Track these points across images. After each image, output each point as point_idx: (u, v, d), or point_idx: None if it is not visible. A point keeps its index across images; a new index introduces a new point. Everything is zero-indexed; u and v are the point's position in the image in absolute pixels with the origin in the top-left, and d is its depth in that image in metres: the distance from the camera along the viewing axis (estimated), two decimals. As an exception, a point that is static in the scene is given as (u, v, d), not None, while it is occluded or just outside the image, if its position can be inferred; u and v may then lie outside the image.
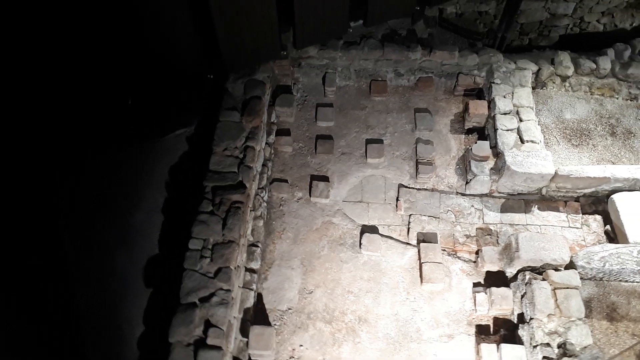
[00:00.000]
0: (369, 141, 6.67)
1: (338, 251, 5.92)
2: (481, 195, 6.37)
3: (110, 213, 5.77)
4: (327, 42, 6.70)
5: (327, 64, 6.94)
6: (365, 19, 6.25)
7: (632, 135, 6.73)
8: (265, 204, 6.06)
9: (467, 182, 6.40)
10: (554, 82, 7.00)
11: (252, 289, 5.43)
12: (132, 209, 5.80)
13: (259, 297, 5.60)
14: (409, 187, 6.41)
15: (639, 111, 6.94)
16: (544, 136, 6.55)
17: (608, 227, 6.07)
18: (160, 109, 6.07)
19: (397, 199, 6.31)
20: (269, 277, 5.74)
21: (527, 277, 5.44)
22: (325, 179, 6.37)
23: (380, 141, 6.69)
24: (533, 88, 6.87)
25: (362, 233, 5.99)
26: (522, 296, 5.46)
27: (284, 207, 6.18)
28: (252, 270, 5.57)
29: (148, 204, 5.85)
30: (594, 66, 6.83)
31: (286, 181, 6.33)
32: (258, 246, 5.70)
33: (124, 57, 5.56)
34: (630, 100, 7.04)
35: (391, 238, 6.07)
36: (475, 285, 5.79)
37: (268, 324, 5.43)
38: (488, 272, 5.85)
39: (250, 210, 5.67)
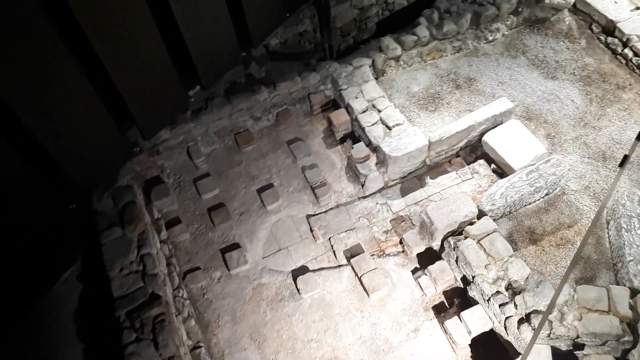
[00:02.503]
0: (260, 190, 6.61)
1: (281, 308, 5.74)
2: (380, 190, 6.58)
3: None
4: (175, 120, 6.56)
5: (185, 139, 6.79)
6: (201, 83, 6.22)
7: (473, 80, 7.41)
8: (188, 302, 5.71)
9: (362, 185, 6.58)
10: (390, 66, 7.50)
11: (215, 391, 5.06)
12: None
13: (226, 393, 5.24)
14: (317, 214, 6.44)
15: (468, 59, 7.66)
16: (405, 115, 6.96)
17: (493, 165, 6.57)
18: (32, 262, 5.50)
19: (311, 230, 6.31)
20: (226, 369, 5.40)
21: (452, 242, 5.69)
22: (235, 246, 6.18)
23: (270, 185, 6.66)
24: (376, 79, 7.30)
25: (295, 279, 5.88)
26: (457, 261, 5.69)
27: (208, 294, 5.87)
28: (206, 372, 5.20)
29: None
30: (415, 38, 7.43)
31: (198, 268, 6.03)
32: (201, 346, 5.34)
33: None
34: (457, 52, 7.75)
35: (323, 269, 6.03)
36: (414, 272, 5.94)
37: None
38: (419, 255, 6.03)
39: (176, 315, 5.31)
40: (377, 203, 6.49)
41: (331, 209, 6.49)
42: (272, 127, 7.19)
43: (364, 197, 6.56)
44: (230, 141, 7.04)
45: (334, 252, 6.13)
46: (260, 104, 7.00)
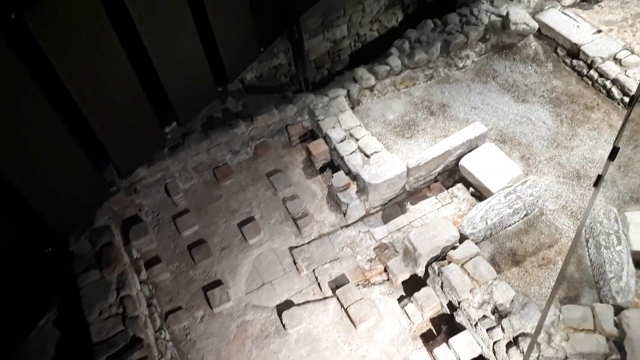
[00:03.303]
0: (241, 224, 6.54)
1: (266, 345, 5.60)
2: (362, 219, 6.57)
3: None
4: (152, 157, 6.50)
5: (163, 176, 6.72)
6: (177, 119, 6.20)
7: (446, 106, 7.56)
8: (170, 343, 5.53)
9: (344, 214, 6.57)
10: (365, 96, 7.62)
11: None
12: None
13: None
14: (299, 246, 6.38)
15: (440, 86, 7.84)
16: (382, 143, 7.03)
17: (471, 189, 6.65)
18: (6, 311, 5.29)
19: (295, 262, 6.23)
20: (213, 412, 5.21)
21: (436, 268, 5.68)
22: (217, 283, 6.05)
23: (251, 219, 6.60)
24: (352, 108, 7.40)
25: (280, 314, 5.77)
26: (442, 287, 5.68)
27: (191, 334, 5.70)
28: (192, 417, 5.00)
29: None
30: (388, 68, 7.58)
31: (180, 308, 5.87)
32: (185, 389, 5.17)
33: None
34: (430, 80, 7.93)
35: (308, 302, 5.93)
36: (400, 300, 5.89)
37: None
38: (404, 282, 6.00)
39: (159, 359, 5.13)
40: (359, 231, 6.47)
41: (314, 239, 6.44)
42: (251, 160, 7.18)
43: (347, 226, 6.54)
44: (208, 176, 6.99)
45: (318, 284, 6.05)
46: (238, 137, 7.00)
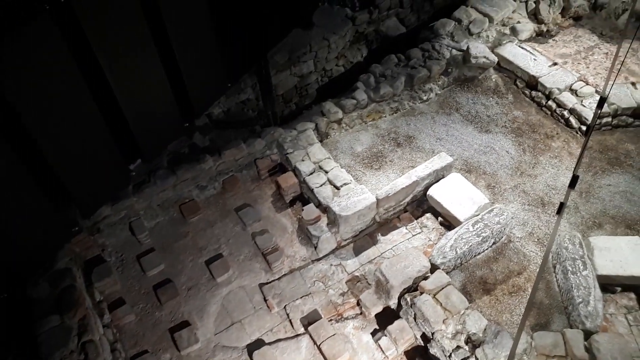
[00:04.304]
0: (208, 262, 6.38)
1: (237, 387, 5.40)
2: (333, 251, 6.52)
3: None
4: (116, 195, 6.33)
5: (127, 214, 6.55)
6: (143, 156, 6.09)
7: (412, 138, 7.69)
8: (136, 390, 5.27)
9: (315, 247, 6.50)
10: (333, 129, 7.69)
11: None
12: None
13: None
14: (270, 282, 6.26)
15: (405, 118, 7.98)
16: (352, 174, 7.06)
17: (440, 218, 6.70)
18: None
19: (265, 300, 6.09)
20: None
21: (408, 299, 5.65)
22: (185, 324, 5.83)
23: (219, 256, 6.45)
24: (320, 141, 7.44)
25: (250, 354, 5.58)
26: (415, 318, 5.62)
27: (157, 379, 5.46)
28: None
29: None
30: (355, 101, 7.70)
31: (146, 351, 5.62)
32: None
33: None
34: (395, 113, 8.07)
35: (280, 340, 5.78)
36: (374, 333, 5.80)
37: None
38: (377, 315, 5.92)
39: (123, 407, 4.86)
40: (331, 265, 6.40)
41: (285, 275, 6.33)
42: (218, 195, 7.08)
43: (318, 260, 6.46)
44: (175, 213, 6.84)
45: (290, 321, 5.91)
46: (206, 172, 6.92)
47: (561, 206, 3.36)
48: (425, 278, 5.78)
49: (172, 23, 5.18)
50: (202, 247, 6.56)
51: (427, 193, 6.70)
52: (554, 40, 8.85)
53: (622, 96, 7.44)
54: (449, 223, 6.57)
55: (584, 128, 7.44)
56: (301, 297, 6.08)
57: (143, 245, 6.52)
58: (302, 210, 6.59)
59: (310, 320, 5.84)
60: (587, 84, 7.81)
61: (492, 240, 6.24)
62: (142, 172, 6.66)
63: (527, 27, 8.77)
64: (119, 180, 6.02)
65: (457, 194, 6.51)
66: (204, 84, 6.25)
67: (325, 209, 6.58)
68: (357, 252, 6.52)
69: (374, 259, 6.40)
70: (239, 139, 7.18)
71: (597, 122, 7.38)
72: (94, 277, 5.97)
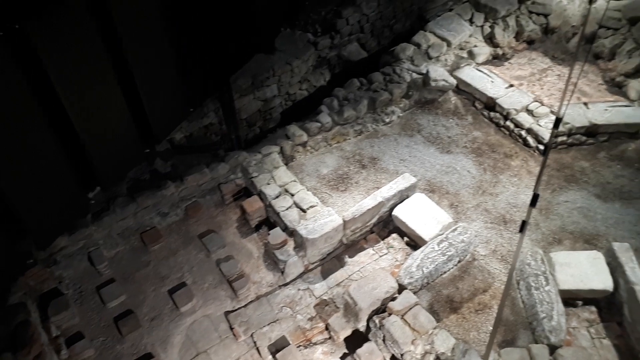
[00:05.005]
0: (171, 291, 6.20)
1: (203, 421, 5.20)
2: (300, 275, 6.45)
3: None
4: (74, 225, 6.11)
5: (86, 244, 6.33)
6: (101, 184, 5.92)
7: (376, 159, 7.77)
8: None
9: (282, 272, 6.41)
10: (298, 152, 7.70)
11: None
12: None
13: None
14: (236, 310, 6.12)
15: (369, 140, 8.07)
16: (318, 197, 7.05)
17: (406, 238, 6.74)
18: None
19: (231, 328, 5.94)
20: None
21: (377, 321, 5.61)
22: (148, 357, 5.62)
23: (182, 285, 6.28)
24: (286, 164, 7.43)
25: (216, 385, 5.41)
26: (384, 340, 5.58)
27: (118, 417, 5.20)
28: None
29: None
30: (319, 124, 7.74)
31: (106, 388, 5.38)
32: None
33: None
34: (359, 135, 8.16)
35: (246, 369, 5.63)
36: (343, 358, 5.72)
37: None
38: (346, 339, 5.85)
39: None
40: (298, 289, 6.32)
41: (251, 302, 6.20)
42: (181, 221, 6.92)
43: (285, 285, 6.37)
44: (136, 241, 6.64)
45: (257, 349, 5.77)
46: (168, 199, 6.78)
47: (523, 224, 3.42)
48: (394, 299, 5.77)
49: (132, 47, 5.11)
50: (165, 276, 6.37)
51: (393, 213, 6.74)
52: (509, 63, 9.19)
53: (576, 116, 7.76)
54: (414, 243, 6.62)
55: (541, 147, 7.69)
56: (268, 324, 5.96)
57: (103, 276, 6.29)
58: (268, 234, 6.52)
59: (278, 347, 5.71)
60: (542, 104, 8.11)
61: (457, 259, 6.31)
62: (101, 200, 6.48)
63: (484, 51, 9.09)
64: (77, 209, 5.82)
65: (421, 214, 6.58)
66: (165, 108, 6.18)
67: (291, 233, 6.52)
68: (325, 275, 6.46)
69: (342, 281, 6.36)
70: (202, 163, 7.09)
71: (553, 141, 7.64)
72: (50, 311, 5.69)
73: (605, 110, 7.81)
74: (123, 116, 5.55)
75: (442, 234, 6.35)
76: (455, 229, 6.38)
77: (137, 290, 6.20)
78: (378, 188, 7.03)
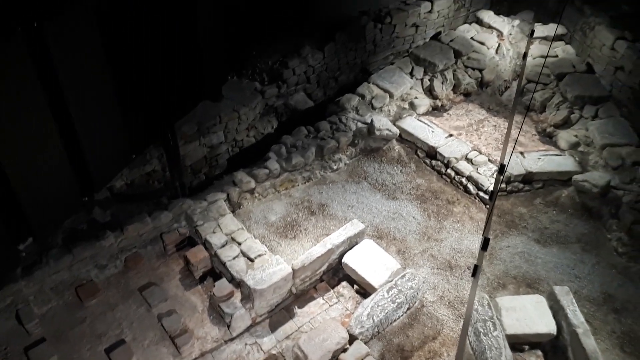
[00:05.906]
0: (109, 350, 5.75)
1: None
2: (248, 329, 6.19)
3: None
4: (1, 280, 5.60)
5: (14, 300, 5.81)
6: (34, 234, 5.51)
7: (325, 205, 7.78)
8: None
9: (228, 326, 6.13)
10: (245, 199, 7.58)
11: None
12: None
13: None
14: (178, 368, 5.74)
15: (318, 187, 8.11)
16: (266, 245, 6.91)
17: (356, 286, 6.68)
18: None
19: (173, 388, 5.55)
20: None
21: (329, 374, 5.43)
22: None
23: (121, 342, 5.84)
24: (233, 212, 7.27)
25: None
26: (336, 394, 5.39)
27: None
28: None
29: None
30: (267, 171, 7.70)
31: None
32: None
33: None
34: (308, 182, 8.18)
35: None
36: (294, 416, 5.46)
37: None
38: (297, 395, 5.60)
39: None
40: (246, 344, 6.04)
41: (195, 359, 5.85)
42: (120, 274, 6.53)
43: (232, 340, 6.07)
44: (70, 296, 6.17)
45: (202, 409, 5.40)
46: (106, 250, 6.40)
47: (476, 269, 3.47)
48: (344, 350, 5.63)
49: (71, 89, 4.93)
50: (102, 333, 5.92)
51: (342, 261, 6.70)
52: (448, 114, 9.66)
53: (513, 164, 8.17)
54: (364, 290, 6.56)
55: (481, 194, 8.00)
56: (214, 382, 5.62)
57: (32, 336, 5.75)
58: (214, 286, 6.25)
59: (224, 407, 5.38)
60: (481, 153, 8.51)
61: (407, 306, 6.30)
62: (33, 252, 6.02)
63: (424, 102, 9.52)
64: (6, 263, 5.37)
65: (370, 261, 6.57)
66: (106, 155, 5.94)
67: (238, 284, 6.30)
68: (274, 328, 6.24)
69: (292, 334, 6.15)
70: (144, 212, 6.80)
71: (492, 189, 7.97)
72: (-34, 380, 5.10)
73: (539, 159, 8.30)
74: (60, 163, 5.25)
75: (392, 281, 6.35)
76: (404, 275, 6.41)
77: (71, 350, 5.70)
78: (327, 235, 7.00)
